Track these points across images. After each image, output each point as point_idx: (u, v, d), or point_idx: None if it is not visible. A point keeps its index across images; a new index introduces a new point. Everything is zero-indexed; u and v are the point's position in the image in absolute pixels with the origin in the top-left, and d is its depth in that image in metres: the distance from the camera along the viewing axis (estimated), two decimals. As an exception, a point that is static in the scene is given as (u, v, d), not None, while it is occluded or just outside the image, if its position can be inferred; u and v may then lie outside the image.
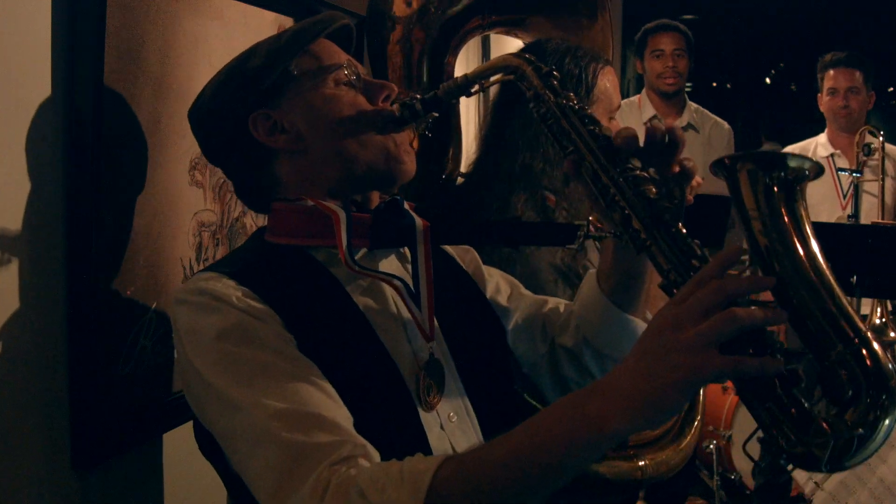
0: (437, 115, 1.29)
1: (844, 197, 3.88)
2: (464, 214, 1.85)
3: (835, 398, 0.93)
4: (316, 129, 1.26)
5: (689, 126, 4.06)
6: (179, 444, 1.59)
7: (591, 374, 1.41)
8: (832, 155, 3.96)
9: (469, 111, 3.15)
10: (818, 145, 4.03)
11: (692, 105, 4.11)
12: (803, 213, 1.00)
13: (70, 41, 1.28)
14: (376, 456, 1.07)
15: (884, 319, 3.47)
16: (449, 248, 1.48)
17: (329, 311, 1.21)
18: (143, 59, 1.40)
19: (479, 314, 1.43)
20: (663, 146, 1.15)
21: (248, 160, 1.29)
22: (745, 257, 1.00)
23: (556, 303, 1.50)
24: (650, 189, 1.10)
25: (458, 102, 2.28)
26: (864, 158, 3.70)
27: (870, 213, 3.74)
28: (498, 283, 1.50)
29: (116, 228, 1.38)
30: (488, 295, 1.47)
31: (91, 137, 1.31)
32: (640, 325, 1.37)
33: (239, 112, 1.26)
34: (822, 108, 4.02)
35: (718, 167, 1.05)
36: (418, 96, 1.28)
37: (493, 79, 1.27)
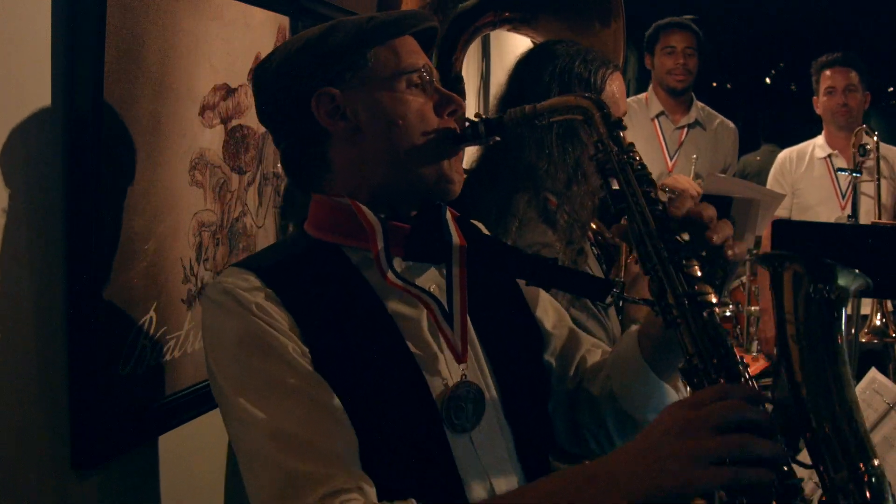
0: (498, 139, 1.28)
1: (843, 197, 3.88)
2: (462, 211, 1.84)
3: None
4: (376, 126, 1.23)
5: (697, 123, 4.08)
6: (179, 444, 1.59)
7: (606, 427, 1.38)
8: (830, 156, 3.97)
9: (469, 114, 3.15)
10: (815, 147, 4.04)
11: (699, 103, 4.12)
12: (840, 335, 0.98)
13: (70, 41, 1.28)
14: (371, 491, 1.06)
15: (884, 320, 3.48)
16: None
17: (359, 318, 1.20)
18: (143, 59, 1.40)
19: (523, 330, 1.41)
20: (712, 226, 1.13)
21: (302, 135, 1.26)
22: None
23: (594, 344, 1.47)
24: (694, 268, 1.08)
25: (464, 99, 2.29)
26: (861, 159, 3.71)
27: (868, 215, 3.75)
28: (546, 306, 1.47)
29: (116, 228, 1.38)
30: (536, 314, 1.44)
31: (91, 137, 1.30)
32: (671, 393, 1.33)
33: (305, 84, 1.23)
34: (818, 110, 4.03)
35: (764, 261, 1.03)
36: (483, 117, 1.27)
37: (560, 117, 1.26)
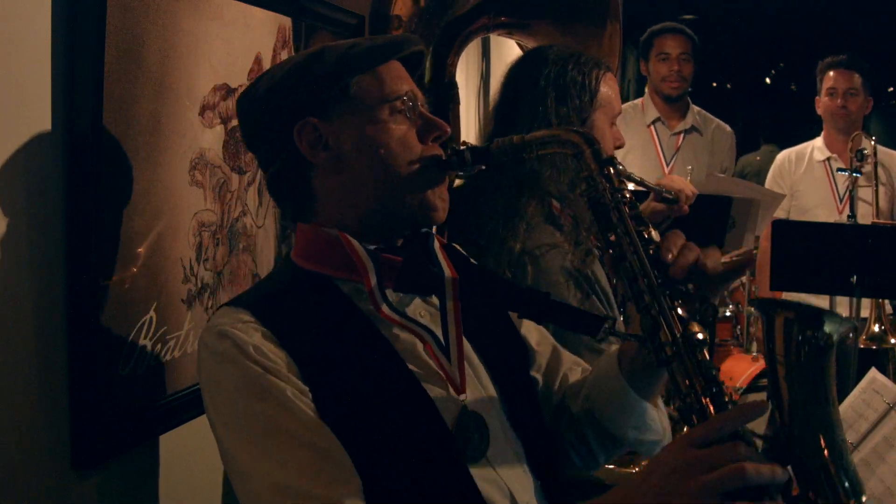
0: (483, 168, 1.28)
1: (841, 200, 3.88)
2: (461, 218, 1.84)
3: None
4: (359, 155, 1.23)
5: (693, 129, 4.07)
6: (179, 444, 1.59)
7: (588, 443, 1.40)
8: (828, 159, 3.97)
9: (469, 115, 3.15)
10: (814, 149, 4.04)
11: (695, 108, 4.11)
12: (830, 375, 1.02)
13: (70, 41, 1.28)
14: None
15: (883, 327, 3.48)
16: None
17: (359, 351, 1.19)
18: (143, 59, 1.40)
19: (514, 346, 1.42)
20: (709, 275, 1.14)
21: (286, 164, 1.26)
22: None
23: (574, 363, 1.48)
24: (684, 307, 1.10)
25: (457, 104, 2.29)
26: (858, 164, 3.71)
27: (865, 219, 3.74)
28: (529, 325, 1.48)
29: (116, 228, 1.38)
30: (522, 332, 1.45)
31: (91, 138, 1.30)
32: (651, 411, 1.35)
33: (288, 114, 1.23)
34: (819, 111, 4.03)
35: (758, 307, 1.09)
36: (468, 145, 1.26)
37: (549, 150, 1.26)
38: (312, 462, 1.08)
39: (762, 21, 8.11)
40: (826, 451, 0.98)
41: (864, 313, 3.46)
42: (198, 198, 1.58)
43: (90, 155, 1.31)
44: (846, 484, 0.97)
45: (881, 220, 3.71)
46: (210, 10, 1.58)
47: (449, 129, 1.28)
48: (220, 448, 1.16)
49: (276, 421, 1.10)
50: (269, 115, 1.25)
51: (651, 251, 1.13)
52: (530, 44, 2.22)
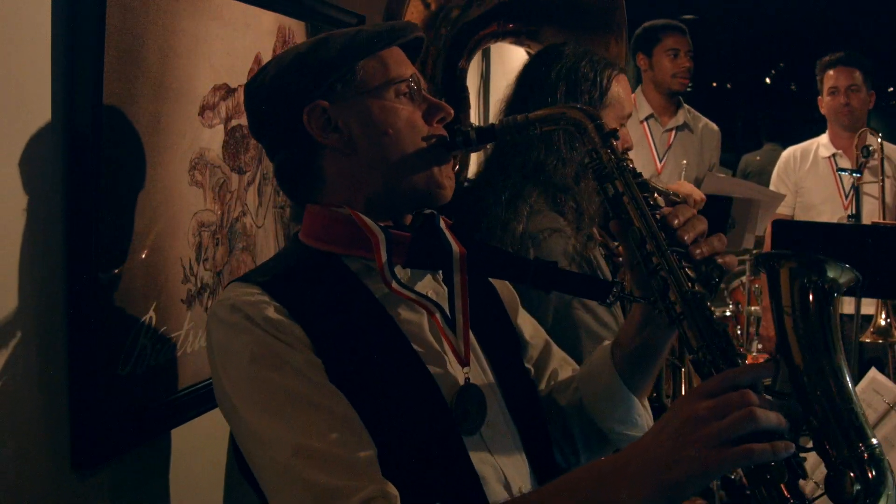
0: (488, 147, 1.31)
1: (846, 197, 3.88)
2: (468, 211, 1.86)
3: (836, 496, 1.00)
4: (368, 136, 1.26)
5: (685, 125, 4.07)
6: (179, 444, 1.59)
7: (573, 439, 1.43)
8: (834, 155, 3.96)
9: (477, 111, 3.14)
10: (820, 146, 4.04)
11: (685, 105, 4.11)
12: (835, 322, 1.07)
13: (70, 41, 1.28)
14: (396, 498, 1.07)
15: (888, 320, 3.48)
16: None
17: (366, 327, 1.21)
18: (143, 59, 1.40)
19: (509, 333, 1.44)
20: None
21: (294, 148, 1.29)
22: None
23: (564, 360, 1.51)
24: (689, 269, 1.13)
25: (468, 107, 2.31)
26: (864, 160, 3.71)
27: (871, 215, 3.75)
28: (524, 316, 1.51)
29: (116, 228, 1.38)
30: (516, 322, 1.48)
31: (91, 137, 1.30)
32: (638, 406, 1.38)
33: (296, 100, 1.25)
34: (822, 110, 4.03)
35: (761, 261, 1.13)
36: (474, 125, 1.29)
37: (553, 127, 1.29)
38: (333, 427, 1.09)
39: (762, 21, 8.11)
40: (837, 398, 1.02)
41: (869, 311, 3.47)
42: (197, 198, 1.58)
43: (90, 155, 1.31)
44: (858, 427, 1.01)
45: (888, 217, 3.71)
46: (210, 10, 1.58)
47: (452, 112, 1.31)
48: (233, 420, 1.16)
49: (294, 389, 1.11)
50: (277, 100, 1.27)
51: (658, 216, 1.16)
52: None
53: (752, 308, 3.77)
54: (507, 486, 1.23)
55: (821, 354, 1.04)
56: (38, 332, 1.27)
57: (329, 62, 1.25)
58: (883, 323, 3.49)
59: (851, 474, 0.98)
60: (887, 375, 1.86)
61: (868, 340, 3.49)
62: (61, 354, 1.31)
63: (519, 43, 2.41)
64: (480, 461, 1.21)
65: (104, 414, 1.37)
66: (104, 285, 1.36)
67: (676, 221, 1.15)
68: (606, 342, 1.42)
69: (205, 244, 1.61)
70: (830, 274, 1.06)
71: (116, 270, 1.38)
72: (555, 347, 1.52)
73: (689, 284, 1.11)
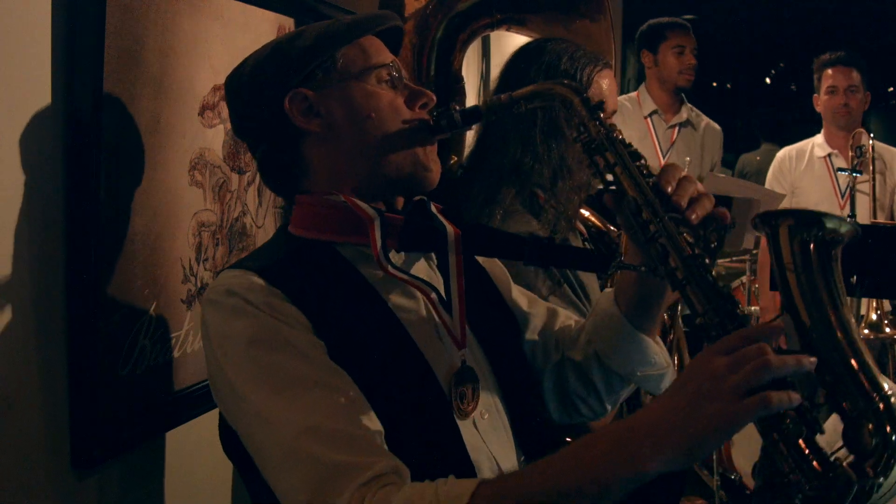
0: (472, 128, 1.30)
1: (842, 197, 3.88)
2: (456, 207, 1.85)
3: (855, 448, 0.99)
4: (351, 121, 1.25)
5: (688, 122, 4.08)
6: (179, 444, 1.59)
7: (595, 389, 1.41)
8: (829, 155, 3.96)
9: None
10: (815, 146, 4.03)
11: (688, 104, 4.12)
12: (837, 274, 1.06)
13: (70, 41, 1.28)
14: (407, 473, 1.07)
15: (879, 312, 3.47)
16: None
17: (362, 312, 1.20)
18: (143, 59, 1.40)
19: (503, 317, 1.44)
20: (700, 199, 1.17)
21: (278, 138, 1.28)
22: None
23: (568, 316, 1.50)
24: (687, 234, 1.12)
25: (462, 91, 2.30)
26: (858, 161, 3.71)
27: (863, 212, 3.75)
28: (517, 291, 1.50)
29: (116, 228, 1.38)
30: (512, 298, 1.47)
31: (91, 137, 1.30)
32: (652, 346, 1.37)
33: (277, 88, 1.25)
34: (818, 109, 4.02)
35: (761, 222, 1.11)
36: (457, 108, 1.28)
37: (538, 104, 1.29)
38: (341, 405, 1.09)
39: (762, 21, 8.12)
40: (848, 350, 1.01)
41: (864, 310, 3.47)
42: (197, 198, 1.58)
43: (90, 155, 1.31)
44: (871, 378, 1.00)
45: (879, 215, 3.71)
46: (210, 10, 1.58)
47: (435, 98, 1.31)
48: (232, 403, 1.15)
49: (299, 368, 1.10)
50: (258, 90, 1.27)
51: (651, 183, 1.15)
52: (533, 37, 2.23)
53: (752, 308, 3.77)
54: (498, 469, 1.23)
55: (827, 308, 1.04)
56: (38, 332, 1.27)
57: (307, 49, 1.25)
58: (874, 317, 3.48)
59: (869, 426, 0.97)
60: (888, 375, 1.85)
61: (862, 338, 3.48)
62: (61, 354, 1.31)
63: (513, 31, 2.41)
64: (476, 450, 1.22)
65: (104, 414, 1.37)
66: (104, 285, 1.36)
67: (670, 188, 1.14)
68: (608, 289, 1.40)
69: (205, 244, 1.61)
70: (829, 225, 1.06)
71: (116, 271, 1.38)
72: (557, 308, 1.51)
73: (689, 249, 1.10)
